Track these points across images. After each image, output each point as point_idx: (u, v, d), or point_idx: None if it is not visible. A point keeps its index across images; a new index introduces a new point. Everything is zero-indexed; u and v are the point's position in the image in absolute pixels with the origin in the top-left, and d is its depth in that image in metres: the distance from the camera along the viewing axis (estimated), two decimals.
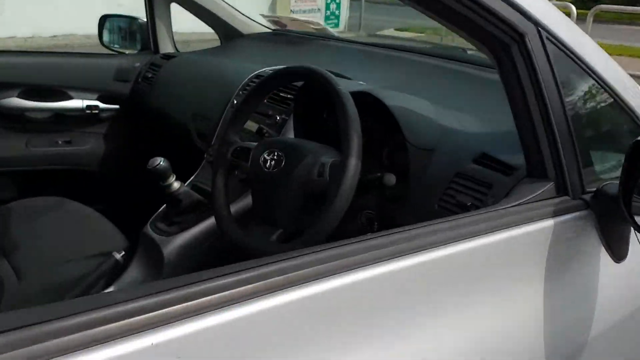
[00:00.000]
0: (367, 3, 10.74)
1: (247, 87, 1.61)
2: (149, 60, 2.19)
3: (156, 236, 1.39)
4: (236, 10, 2.31)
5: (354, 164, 0.96)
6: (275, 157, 1.08)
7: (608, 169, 1.04)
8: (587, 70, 0.99)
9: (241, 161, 1.16)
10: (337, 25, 10.16)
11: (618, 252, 0.98)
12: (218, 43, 2.36)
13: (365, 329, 0.68)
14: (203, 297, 0.55)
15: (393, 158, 1.22)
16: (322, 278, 0.63)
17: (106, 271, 1.33)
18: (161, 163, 1.35)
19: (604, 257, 0.97)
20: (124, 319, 0.51)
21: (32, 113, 2.01)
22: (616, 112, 1.06)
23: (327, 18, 10.00)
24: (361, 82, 1.46)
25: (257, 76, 1.63)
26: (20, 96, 1.97)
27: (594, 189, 0.96)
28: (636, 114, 1.06)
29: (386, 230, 0.74)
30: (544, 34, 0.92)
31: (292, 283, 0.61)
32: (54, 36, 7.26)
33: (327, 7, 10.21)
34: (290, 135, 1.40)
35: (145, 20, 2.25)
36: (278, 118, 1.46)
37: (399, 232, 0.73)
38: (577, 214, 0.93)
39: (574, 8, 6.81)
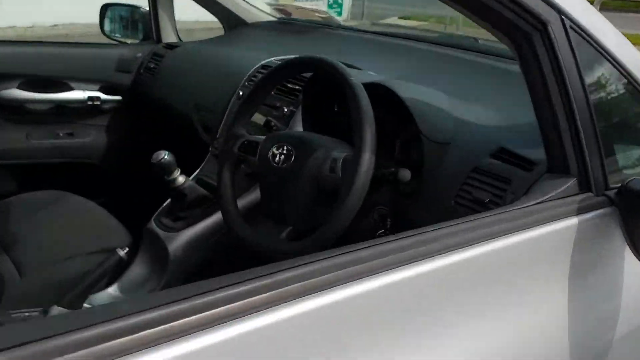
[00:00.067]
0: None
1: (254, 78, 1.57)
2: (151, 50, 2.15)
3: (161, 232, 1.36)
4: None
5: (367, 159, 0.92)
6: (284, 152, 1.04)
7: (632, 163, 1.00)
8: (612, 61, 0.95)
9: (248, 155, 1.12)
10: (340, 13, 10.07)
11: None
12: (222, 32, 2.32)
13: (385, 339, 0.64)
14: (213, 309, 0.51)
15: (407, 152, 1.18)
16: (339, 285, 0.60)
17: (109, 268, 1.30)
18: (165, 157, 1.32)
19: (629, 256, 0.93)
20: (125, 335, 0.47)
21: (32, 104, 1.98)
22: None
23: (330, 6, 9.91)
24: (371, 73, 1.41)
25: (264, 66, 1.58)
26: (20, 87, 1.94)
27: (618, 184, 0.92)
28: None
29: (404, 232, 0.70)
30: (567, 22, 0.88)
31: (308, 291, 0.57)
32: (55, 25, 7.21)
33: None
34: (299, 127, 1.36)
35: (147, 8, 2.22)
36: (286, 110, 1.41)
37: (418, 234, 0.70)
38: (600, 211, 0.90)
39: None
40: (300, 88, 1.41)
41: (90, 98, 2.04)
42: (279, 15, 2.42)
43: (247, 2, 2.28)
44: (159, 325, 0.49)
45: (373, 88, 1.10)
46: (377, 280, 0.63)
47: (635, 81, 0.99)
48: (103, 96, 2.07)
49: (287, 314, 0.56)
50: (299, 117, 1.37)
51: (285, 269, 0.58)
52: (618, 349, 0.92)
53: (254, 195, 1.36)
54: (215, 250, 1.37)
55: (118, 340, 0.47)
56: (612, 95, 1.01)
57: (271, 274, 0.56)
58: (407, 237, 0.69)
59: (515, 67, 1.31)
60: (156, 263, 1.35)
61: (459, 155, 1.08)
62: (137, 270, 1.35)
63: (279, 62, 1.28)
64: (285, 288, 0.56)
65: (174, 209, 1.41)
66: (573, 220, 0.85)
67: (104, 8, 2.26)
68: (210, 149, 1.55)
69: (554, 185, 0.88)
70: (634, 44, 1.03)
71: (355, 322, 0.62)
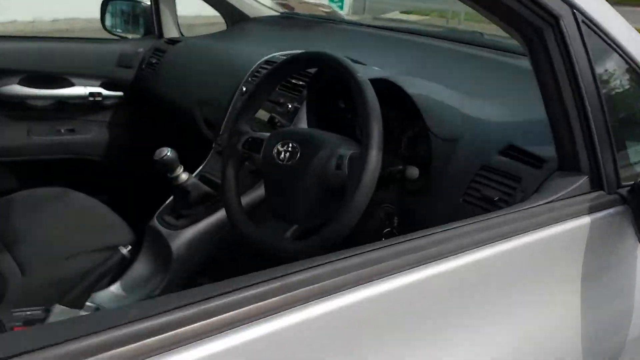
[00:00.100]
0: None
1: (257, 74, 1.54)
2: (152, 45, 2.13)
3: (164, 230, 1.35)
4: None
5: (375, 156, 0.90)
6: (289, 149, 1.02)
7: None
8: (625, 57, 0.93)
9: (253, 153, 1.10)
10: (341, 8, 10.01)
11: None
12: (224, 27, 2.30)
13: (395, 342, 0.63)
14: (220, 314, 0.50)
15: (414, 149, 1.16)
16: (350, 288, 0.58)
17: (112, 266, 1.29)
18: (168, 154, 1.30)
19: None
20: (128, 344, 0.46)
21: (33, 101, 1.96)
22: None
23: (331, 0, 9.86)
24: (376, 68, 1.39)
25: (268, 62, 1.56)
26: (21, 83, 1.92)
27: (631, 182, 0.91)
28: None
29: (413, 233, 0.68)
30: (579, 16, 0.86)
31: (318, 295, 0.56)
32: (55, 20, 7.17)
33: None
34: (303, 124, 1.34)
35: (148, 3, 2.19)
36: (290, 106, 1.39)
37: (427, 235, 0.68)
38: (613, 210, 0.88)
39: None
40: (304, 84, 1.39)
41: (91, 94, 2.02)
42: (281, 10, 2.39)
43: None
44: (167, 332, 0.47)
45: (379, 84, 1.07)
46: (388, 283, 0.61)
47: None
48: (104, 92, 2.05)
49: (296, 319, 0.54)
50: (303, 114, 1.35)
51: (294, 272, 0.56)
52: (631, 349, 0.90)
53: (259, 192, 1.34)
54: (218, 248, 1.35)
55: (125, 348, 0.45)
56: (625, 90, 0.99)
57: (280, 277, 0.55)
58: (417, 239, 0.67)
59: (523, 62, 1.29)
60: (159, 261, 1.33)
61: (467, 152, 1.06)
62: (139, 268, 1.33)
63: (283, 57, 1.26)
64: (295, 292, 0.54)
65: (176, 207, 1.39)
66: (585, 220, 0.83)
67: (105, 3, 2.23)
68: (214, 145, 1.53)
69: (565, 184, 0.86)
70: None
71: (365, 325, 0.61)
